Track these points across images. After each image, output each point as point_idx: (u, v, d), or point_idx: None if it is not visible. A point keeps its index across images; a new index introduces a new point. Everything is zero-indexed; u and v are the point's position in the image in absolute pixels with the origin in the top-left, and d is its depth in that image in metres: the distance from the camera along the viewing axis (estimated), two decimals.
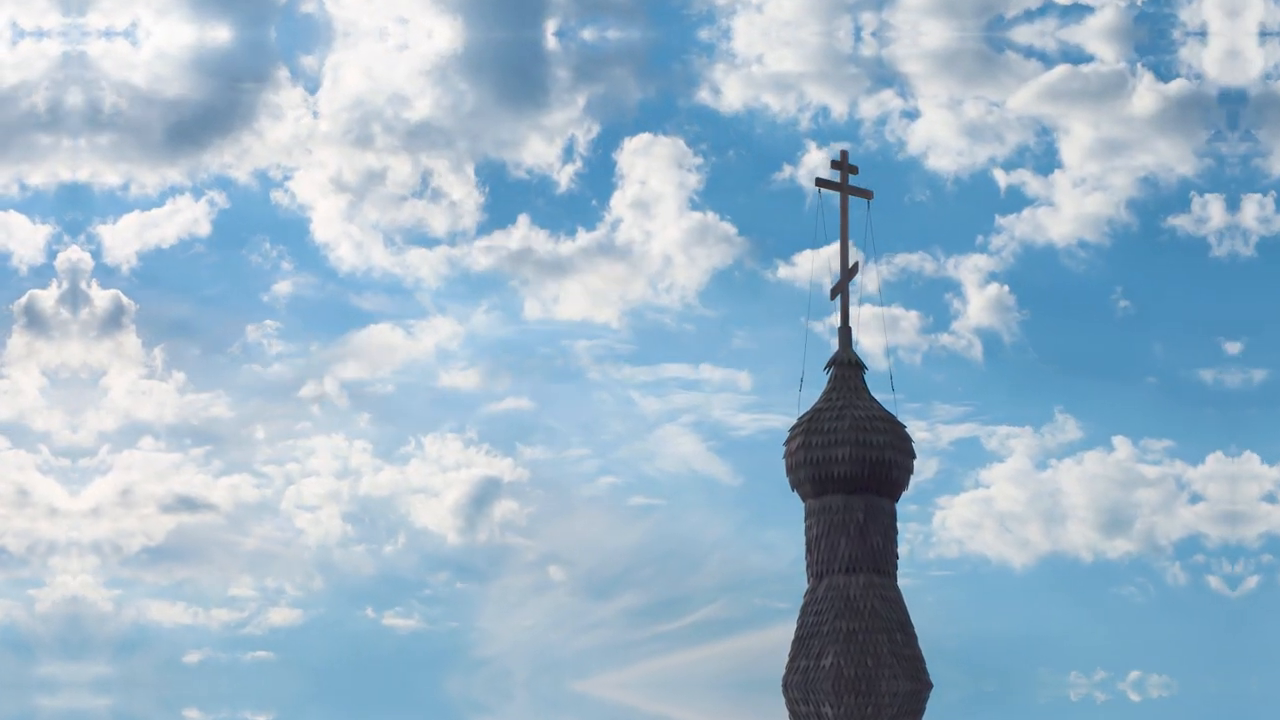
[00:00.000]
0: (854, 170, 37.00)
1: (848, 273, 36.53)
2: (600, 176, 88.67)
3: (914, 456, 36.10)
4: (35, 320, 78.17)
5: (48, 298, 77.08)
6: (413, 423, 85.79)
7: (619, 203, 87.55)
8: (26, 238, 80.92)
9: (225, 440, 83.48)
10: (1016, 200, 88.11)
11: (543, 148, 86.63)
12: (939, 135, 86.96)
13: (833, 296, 36.62)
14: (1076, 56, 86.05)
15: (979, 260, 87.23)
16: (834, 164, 36.95)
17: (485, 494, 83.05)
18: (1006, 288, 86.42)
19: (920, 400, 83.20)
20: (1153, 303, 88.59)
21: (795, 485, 35.98)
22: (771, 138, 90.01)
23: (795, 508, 36.38)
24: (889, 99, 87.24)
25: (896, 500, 35.89)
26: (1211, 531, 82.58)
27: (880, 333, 37.10)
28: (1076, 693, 73.02)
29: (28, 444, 76.79)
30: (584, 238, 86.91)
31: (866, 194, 36.90)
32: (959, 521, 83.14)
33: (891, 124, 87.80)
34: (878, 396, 36.69)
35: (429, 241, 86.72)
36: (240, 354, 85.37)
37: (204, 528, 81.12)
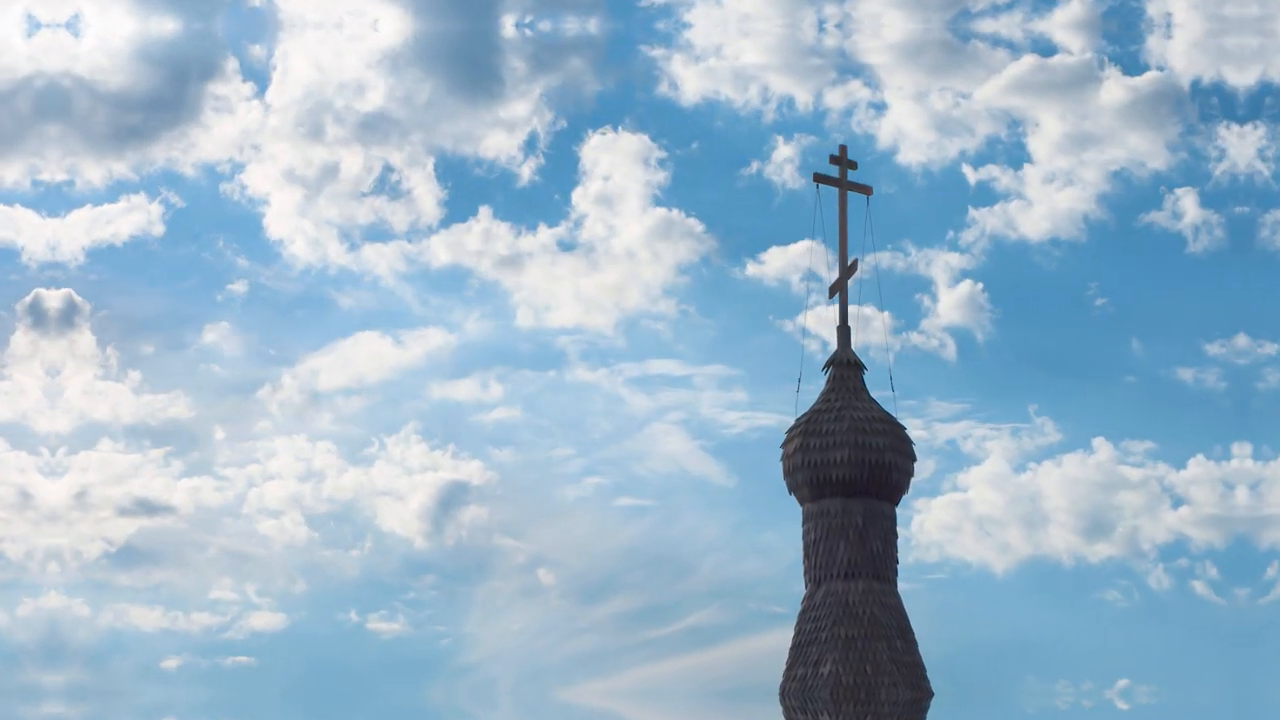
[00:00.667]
0: (853, 165, 36.20)
1: (846, 270, 35.70)
2: (562, 171, 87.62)
3: (914, 459, 35.44)
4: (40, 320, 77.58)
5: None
6: (377, 424, 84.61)
7: (581, 198, 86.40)
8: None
9: (185, 441, 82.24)
10: (987, 195, 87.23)
11: (502, 140, 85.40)
12: (908, 128, 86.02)
13: (831, 295, 35.90)
14: (1044, 48, 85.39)
15: (950, 257, 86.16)
16: (832, 159, 36.23)
17: (451, 497, 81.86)
18: (980, 285, 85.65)
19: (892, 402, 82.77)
20: (1129, 300, 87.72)
21: (793, 488, 35.26)
22: (734, 131, 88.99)
23: (789, 508, 35.67)
24: (855, 90, 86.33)
25: (897, 504, 35.23)
26: (1196, 535, 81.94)
27: (880, 331, 36.25)
28: (1064, 701, 72.09)
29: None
30: (546, 233, 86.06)
31: (865, 190, 36.22)
32: (937, 525, 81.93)
33: (859, 116, 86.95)
34: (876, 396, 35.77)
35: (386, 236, 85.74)
36: (196, 354, 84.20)
37: (166, 531, 79.88)
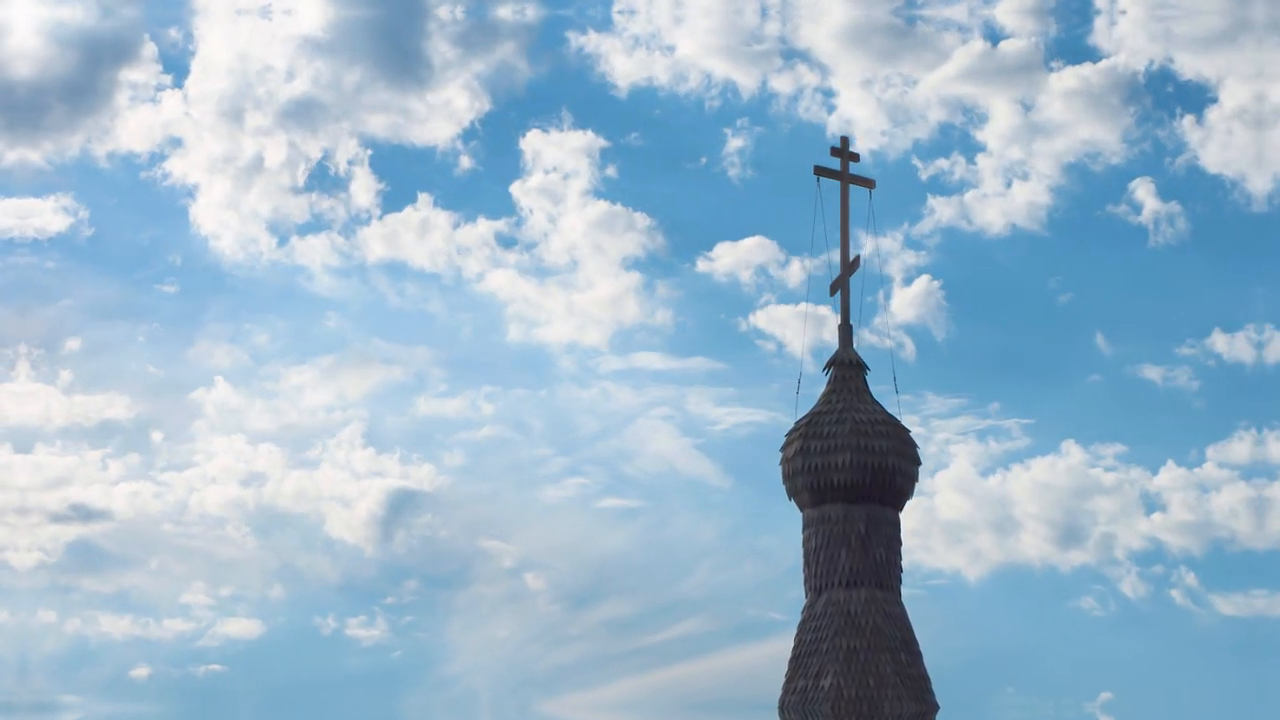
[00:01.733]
0: (854, 158, 35.00)
1: (848, 267, 34.59)
2: (499, 159, 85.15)
3: (919, 463, 34.45)
4: None
5: None
6: (318, 424, 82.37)
7: (519, 189, 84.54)
8: None
9: (121, 443, 80.00)
10: (941, 186, 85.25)
11: (437, 129, 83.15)
12: (857, 116, 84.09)
13: (832, 292, 34.93)
14: (992, 34, 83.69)
15: (905, 254, 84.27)
16: (834, 151, 35.12)
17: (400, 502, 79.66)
18: (939, 283, 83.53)
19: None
20: (1092, 296, 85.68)
21: (793, 494, 34.36)
22: (677, 120, 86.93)
23: (787, 512, 34.59)
24: (802, 77, 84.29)
25: (900, 510, 34.26)
26: (1172, 541, 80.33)
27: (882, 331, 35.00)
28: (1045, 715, 70.56)
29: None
30: (485, 225, 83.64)
31: (868, 183, 35.08)
32: (905, 531, 79.79)
33: (805, 103, 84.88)
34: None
35: (319, 228, 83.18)
36: (127, 353, 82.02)
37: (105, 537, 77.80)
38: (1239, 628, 77.62)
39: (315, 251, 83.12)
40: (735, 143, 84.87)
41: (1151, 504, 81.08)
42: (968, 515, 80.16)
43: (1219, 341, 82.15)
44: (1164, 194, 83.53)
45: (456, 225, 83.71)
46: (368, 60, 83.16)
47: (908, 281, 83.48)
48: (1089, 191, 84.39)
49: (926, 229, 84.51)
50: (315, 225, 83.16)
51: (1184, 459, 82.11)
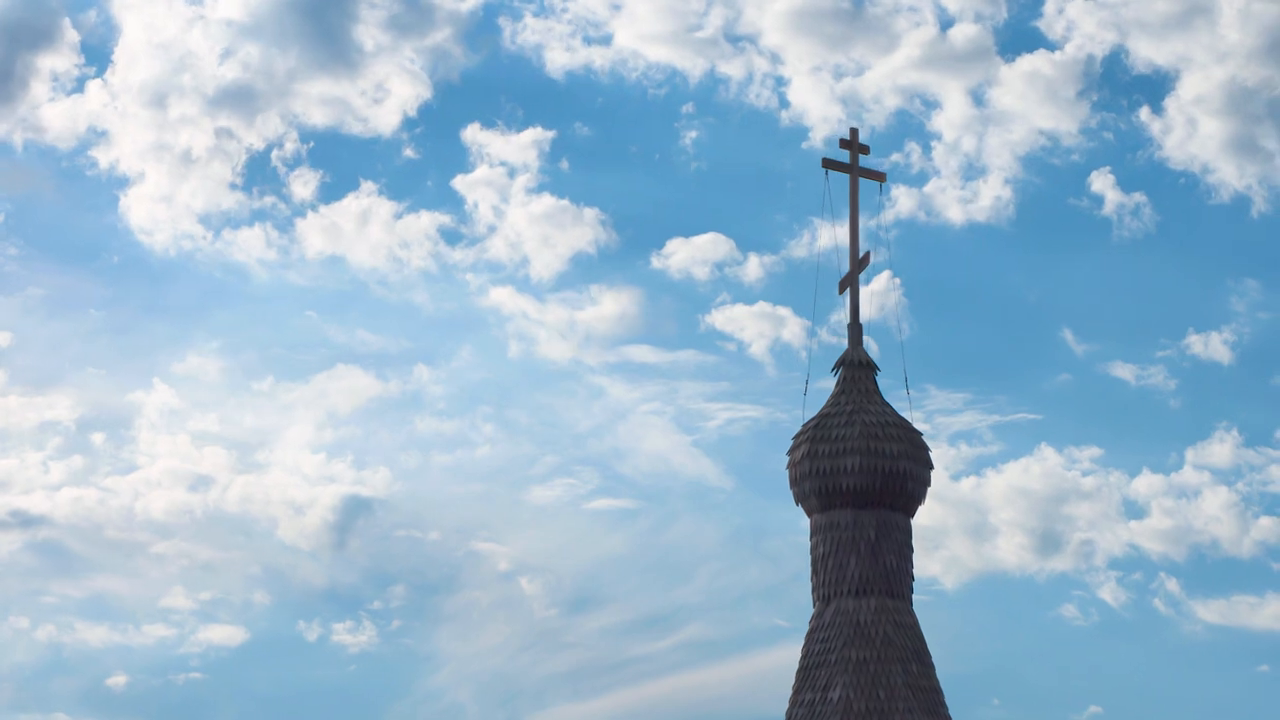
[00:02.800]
0: (864, 150, 34.01)
1: (857, 264, 33.68)
2: (441, 151, 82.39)
3: (931, 467, 33.54)
4: None
5: None
6: (268, 424, 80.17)
7: (460, 179, 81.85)
8: None
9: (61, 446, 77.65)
10: (897, 177, 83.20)
11: (374, 117, 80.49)
12: (810, 104, 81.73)
13: (841, 290, 34.12)
14: (943, 19, 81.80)
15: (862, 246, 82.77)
16: (843, 143, 34.16)
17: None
18: (899, 280, 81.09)
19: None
20: (1058, 292, 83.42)
21: (800, 498, 33.44)
22: (622, 109, 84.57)
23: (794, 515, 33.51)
24: (750, 64, 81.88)
25: (912, 515, 33.35)
26: (1153, 547, 78.28)
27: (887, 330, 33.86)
28: None
29: None
30: (427, 218, 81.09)
31: (879, 176, 34.13)
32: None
33: (755, 89, 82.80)
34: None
35: (255, 220, 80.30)
36: (67, 353, 79.72)
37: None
38: (1223, 635, 76.20)
39: (253, 245, 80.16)
40: (684, 133, 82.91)
41: (1131, 509, 79.18)
42: (941, 521, 77.95)
43: (1192, 338, 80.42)
44: (1126, 186, 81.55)
45: (399, 216, 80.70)
46: (298, 45, 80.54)
47: (867, 276, 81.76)
48: (1049, 184, 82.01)
49: (884, 222, 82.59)
50: (251, 218, 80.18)
51: (1162, 463, 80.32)
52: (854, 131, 34.16)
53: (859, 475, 32.44)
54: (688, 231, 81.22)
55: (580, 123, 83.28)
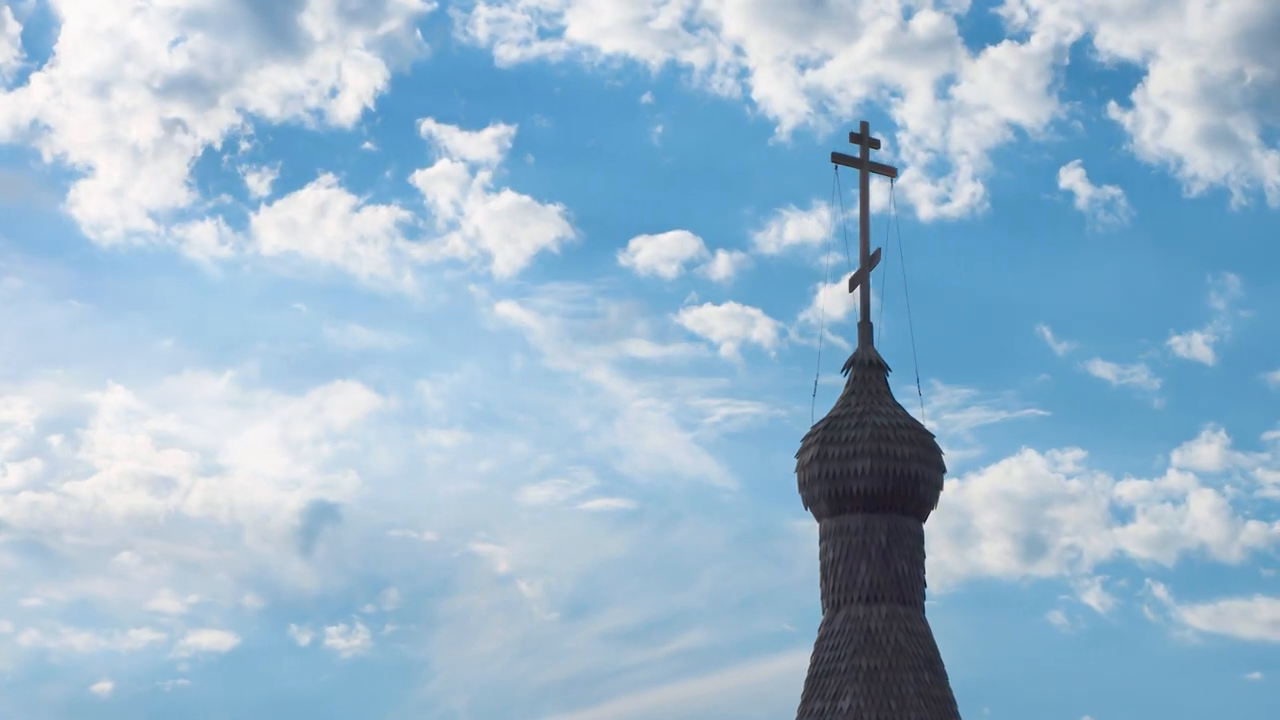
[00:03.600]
0: (875, 145, 33.23)
1: (868, 261, 32.87)
2: (395, 141, 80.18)
3: (944, 470, 32.81)
4: None
5: None
6: (232, 424, 78.14)
7: (419, 173, 79.76)
8: None
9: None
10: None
11: (331, 109, 78.55)
12: (774, 95, 79.95)
13: (851, 288, 33.27)
14: (907, 8, 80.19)
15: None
16: (853, 137, 33.39)
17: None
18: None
19: (784, 409, 76.67)
20: (1035, 288, 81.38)
21: (809, 503, 32.70)
22: (583, 101, 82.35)
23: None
24: (713, 54, 79.91)
25: (924, 520, 32.56)
26: (1139, 552, 76.56)
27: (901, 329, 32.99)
28: None
29: None
30: (385, 212, 79.05)
31: (890, 171, 33.32)
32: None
33: (718, 78, 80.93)
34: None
35: (207, 214, 78.14)
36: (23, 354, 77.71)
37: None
38: (1214, 643, 74.63)
39: (206, 240, 77.99)
40: (646, 127, 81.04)
41: (1116, 512, 77.42)
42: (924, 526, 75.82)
43: (1174, 337, 78.64)
44: (1098, 179, 79.65)
45: (357, 210, 78.52)
46: (246, 33, 78.25)
47: (835, 275, 79.57)
48: (1019, 177, 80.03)
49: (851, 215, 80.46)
50: (204, 212, 78.07)
51: (1148, 465, 78.64)
52: (864, 125, 33.39)
53: (870, 479, 31.70)
54: (653, 228, 79.34)
55: (539, 116, 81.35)
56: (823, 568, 32.13)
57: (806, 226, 78.22)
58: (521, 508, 77.36)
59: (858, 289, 33.00)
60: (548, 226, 78.72)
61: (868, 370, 32.83)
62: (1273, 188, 79.25)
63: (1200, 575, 75.89)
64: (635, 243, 78.98)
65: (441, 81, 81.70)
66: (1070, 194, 79.02)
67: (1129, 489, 76.71)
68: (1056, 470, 77.15)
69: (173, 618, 73.25)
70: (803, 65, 79.62)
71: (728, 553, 77.42)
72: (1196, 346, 78.09)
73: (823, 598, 32.11)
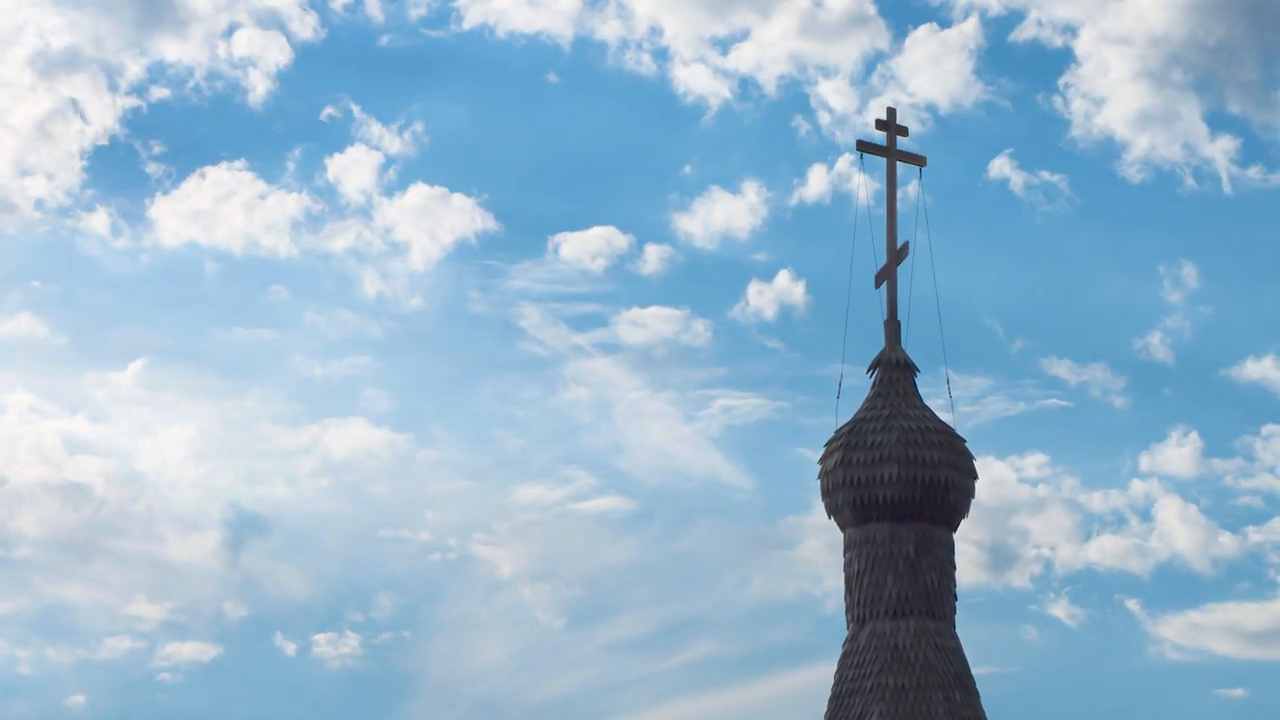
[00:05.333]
0: (903, 132, 31.74)
1: (895, 255, 31.30)
2: (297, 123, 76.21)
3: (975, 477, 31.31)
4: None
5: None
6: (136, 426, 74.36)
7: (326, 158, 75.76)
8: None
9: None
10: (791, 154, 76.94)
11: (226, 85, 74.67)
12: (693, 76, 76.53)
13: (878, 284, 31.85)
14: None
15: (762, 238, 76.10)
16: (879, 124, 31.89)
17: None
18: (803, 283, 74.34)
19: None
20: (978, 281, 77.35)
21: (833, 511, 31.23)
22: (490, 78, 78.75)
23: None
24: (626, 32, 76.26)
25: (954, 529, 31.04)
26: (1111, 564, 73.38)
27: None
28: None
29: None
30: (290, 200, 74.90)
31: (919, 160, 31.86)
32: (819, 559, 70.81)
33: (631, 54, 77.10)
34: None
35: (100, 200, 73.53)
36: None
37: None
38: (1189, 655, 71.65)
39: (100, 227, 74.17)
40: (560, 111, 77.53)
41: (1086, 520, 73.91)
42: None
43: (1129, 329, 75.16)
44: (1034, 164, 75.60)
45: (263, 197, 74.53)
46: (130, 6, 74.65)
47: (768, 272, 75.23)
48: (950, 162, 76.17)
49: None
50: (96, 198, 73.90)
51: (1116, 471, 75.03)
52: (891, 112, 31.78)
53: (897, 486, 30.26)
54: (575, 220, 75.60)
55: (449, 100, 77.66)
56: (847, 580, 30.81)
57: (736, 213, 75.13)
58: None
59: (884, 285, 31.39)
60: (463, 217, 74.69)
61: (895, 371, 31.35)
62: (1224, 170, 75.87)
63: (1175, 586, 72.72)
64: (558, 236, 75.06)
65: (339, 60, 77.60)
66: (1005, 181, 75.51)
67: (1097, 496, 73.65)
68: (1021, 477, 73.51)
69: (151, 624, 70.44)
70: (718, 45, 76.01)
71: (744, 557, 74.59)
72: (1154, 344, 74.58)
73: (847, 611, 30.80)
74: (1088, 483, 74.07)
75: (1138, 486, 73.35)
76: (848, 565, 30.72)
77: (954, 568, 30.68)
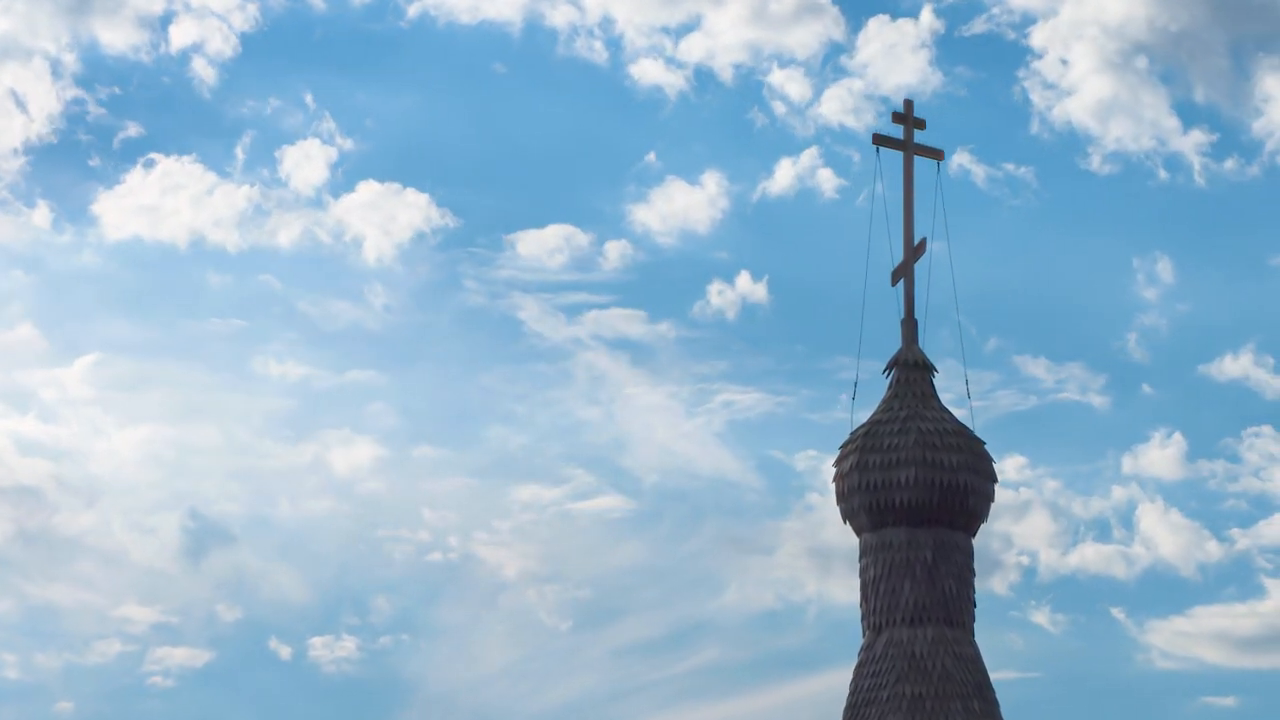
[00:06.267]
0: (920, 125, 30.97)
1: (912, 252, 30.51)
2: (245, 112, 74.58)
3: (995, 480, 30.50)
4: None
5: None
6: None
7: (275, 150, 74.00)
8: None
9: None
10: (747, 146, 75.41)
11: (165, 68, 72.80)
12: (645, 67, 74.85)
13: (894, 281, 31.10)
14: None
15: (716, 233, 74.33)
16: (896, 116, 31.09)
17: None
18: (764, 282, 72.71)
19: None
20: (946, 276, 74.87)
21: (848, 515, 30.44)
22: (437, 66, 76.84)
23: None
24: (573, 15, 74.70)
25: (973, 534, 30.25)
26: (1095, 569, 71.94)
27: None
28: None
29: None
30: (239, 193, 72.74)
31: (937, 154, 31.12)
32: (791, 564, 70.32)
33: (581, 42, 75.58)
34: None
35: (40, 195, 72.11)
36: None
37: None
38: (1178, 662, 70.22)
39: (42, 220, 72.36)
40: (512, 102, 75.90)
41: (1068, 525, 72.43)
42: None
43: (1105, 326, 73.74)
44: (999, 156, 73.42)
45: (211, 191, 72.75)
46: None
47: (728, 272, 73.23)
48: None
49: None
50: (37, 192, 72.57)
51: (1099, 473, 73.50)
52: (908, 104, 31.03)
53: (914, 489, 29.48)
54: (531, 216, 74.16)
55: (404, 91, 76.15)
56: (863, 586, 30.04)
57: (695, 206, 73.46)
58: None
59: (901, 282, 30.60)
60: (417, 214, 73.22)
61: (912, 371, 30.57)
62: (1195, 161, 74.28)
63: (1161, 592, 71.24)
64: (514, 234, 73.58)
65: (287, 53, 76.11)
66: (967, 172, 73.92)
67: (1078, 499, 72.27)
68: (1001, 479, 71.52)
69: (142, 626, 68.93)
70: (671, 34, 74.38)
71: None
72: (1131, 342, 72.98)
73: (863, 619, 30.04)
74: (1070, 485, 72.90)
75: (1120, 490, 71.96)
76: (863, 571, 30.01)
77: (973, 574, 29.98)
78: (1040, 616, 70.12)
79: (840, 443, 30.34)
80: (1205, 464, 71.98)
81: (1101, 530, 71.61)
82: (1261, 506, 71.72)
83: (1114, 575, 70.90)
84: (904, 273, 30.47)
